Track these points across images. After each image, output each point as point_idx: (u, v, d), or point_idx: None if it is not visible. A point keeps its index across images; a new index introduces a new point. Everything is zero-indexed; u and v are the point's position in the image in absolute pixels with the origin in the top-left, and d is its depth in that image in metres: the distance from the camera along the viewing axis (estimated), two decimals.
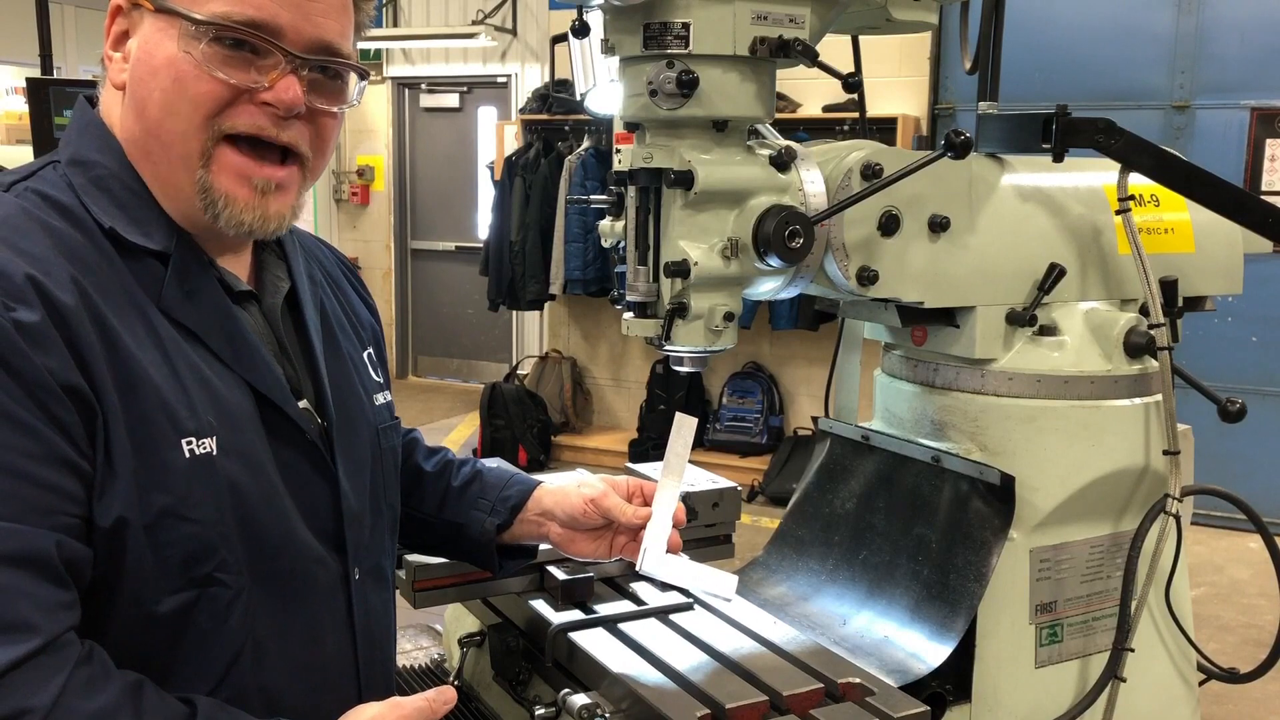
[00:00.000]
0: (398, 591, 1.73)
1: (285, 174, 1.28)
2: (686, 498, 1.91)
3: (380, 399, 1.51)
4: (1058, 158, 1.75)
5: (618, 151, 1.66)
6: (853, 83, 1.61)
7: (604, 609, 1.71)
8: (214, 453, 1.20)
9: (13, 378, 1.08)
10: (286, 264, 1.43)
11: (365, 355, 1.52)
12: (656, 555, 1.59)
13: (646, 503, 1.63)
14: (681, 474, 1.63)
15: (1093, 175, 1.88)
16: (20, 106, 7.69)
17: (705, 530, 1.96)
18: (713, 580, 1.64)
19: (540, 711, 1.53)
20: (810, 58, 1.55)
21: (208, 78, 1.21)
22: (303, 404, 1.35)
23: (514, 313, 9.01)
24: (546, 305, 8.14)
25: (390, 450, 1.51)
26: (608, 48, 1.62)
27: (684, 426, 1.62)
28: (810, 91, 7.08)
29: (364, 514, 1.40)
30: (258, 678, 1.26)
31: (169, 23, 1.22)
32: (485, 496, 1.67)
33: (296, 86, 1.25)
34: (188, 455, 1.18)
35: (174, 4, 1.22)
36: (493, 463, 1.80)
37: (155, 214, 1.26)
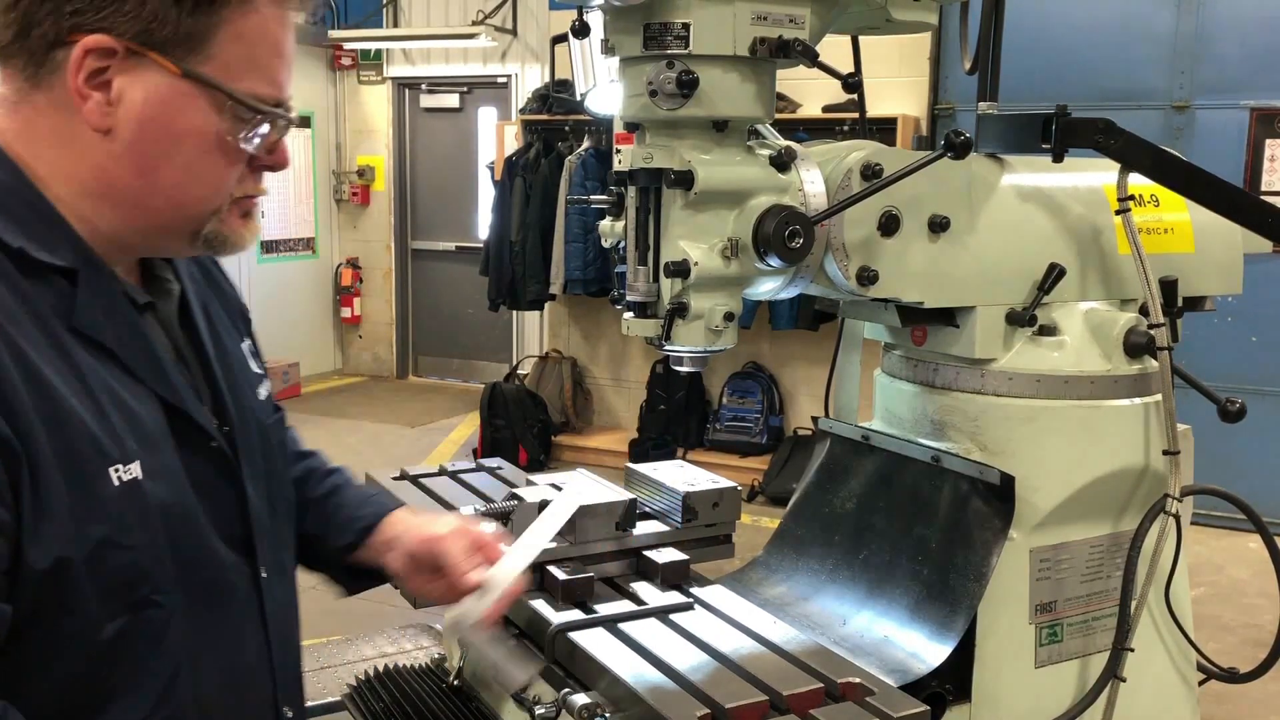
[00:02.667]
0: (399, 591, 1.73)
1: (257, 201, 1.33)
2: (688, 497, 1.91)
3: (263, 392, 1.48)
4: (1057, 158, 1.76)
5: (618, 151, 1.67)
6: (853, 83, 1.61)
7: (604, 609, 1.71)
8: (140, 477, 1.19)
9: None
10: (171, 264, 1.40)
11: (244, 347, 1.50)
12: (459, 623, 1.52)
13: (492, 563, 1.57)
14: (536, 551, 1.59)
15: (1093, 175, 1.88)
16: None
17: (705, 530, 1.96)
18: (510, 667, 1.54)
19: (540, 711, 1.53)
20: (810, 58, 1.55)
21: (238, 152, 1.23)
22: (204, 410, 1.34)
23: (514, 313, 9.01)
24: (546, 305, 8.15)
25: (279, 443, 1.50)
26: (608, 48, 1.62)
27: (563, 507, 1.60)
28: (810, 91, 7.07)
29: (267, 513, 1.40)
30: (194, 691, 1.26)
31: (196, 89, 1.19)
32: (339, 515, 1.64)
33: (287, 149, 1.30)
34: (116, 484, 1.16)
35: (211, 77, 1.19)
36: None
37: (59, 230, 1.21)
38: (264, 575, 1.38)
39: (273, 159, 1.29)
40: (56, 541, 1.11)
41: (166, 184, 1.23)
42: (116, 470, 1.16)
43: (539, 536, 1.64)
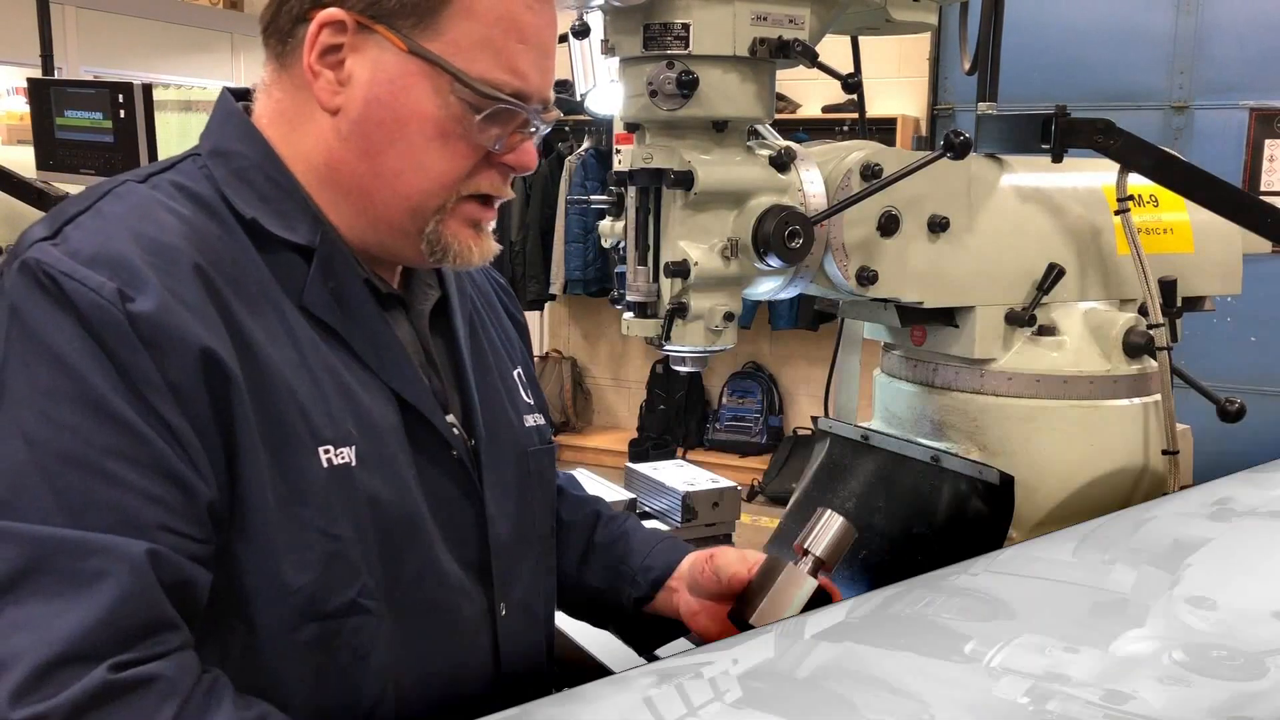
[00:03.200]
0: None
1: (494, 212, 1.26)
2: (688, 497, 1.91)
3: (531, 421, 1.40)
4: (1057, 158, 1.76)
5: (618, 152, 1.67)
6: (852, 83, 1.61)
7: None
8: (352, 463, 1.11)
9: (119, 373, 0.99)
10: (438, 273, 1.34)
11: (515, 374, 1.43)
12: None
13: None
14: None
15: (1092, 175, 1.89)
16: (21, 106, 7.69)
17: (705, 530, 1.97)
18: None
19: None
20: (810, 58, 1.55)
21: (467, 142, 1.16)
22: (449, 419, 1.25)
23: None
24: (546, 305, 8.15)
25: (539, 475, 1.38)
26: (608, 48, 1.62)
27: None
28: (810, 92, 7.08)
29: (512, 543, 1.29)
30: None
31: (422, 68, 1.14)
32: (628, 563, 1.49)
33: (534, 149, 1.23)
34: (325, 465, 1.09)
35: (437, 55, 1.13)
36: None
37: (300, 207, 1.18)
38: (503, 613, 1.25)
39: (514, 158, 1.20)
40: (253, 517, 1.05)
41: (389, 171, 1.17)
42: (327, 452, 1.10)
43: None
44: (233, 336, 1.06)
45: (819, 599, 1.27)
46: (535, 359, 8.25)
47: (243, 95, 1.26)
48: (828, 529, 1.31)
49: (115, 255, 1.04)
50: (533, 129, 1.21)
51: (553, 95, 1.23)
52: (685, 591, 1.44)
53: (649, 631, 1.51)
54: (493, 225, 1.25)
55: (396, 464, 1.16)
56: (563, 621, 1.71)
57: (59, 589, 0.93)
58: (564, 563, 1.51)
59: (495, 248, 1.26)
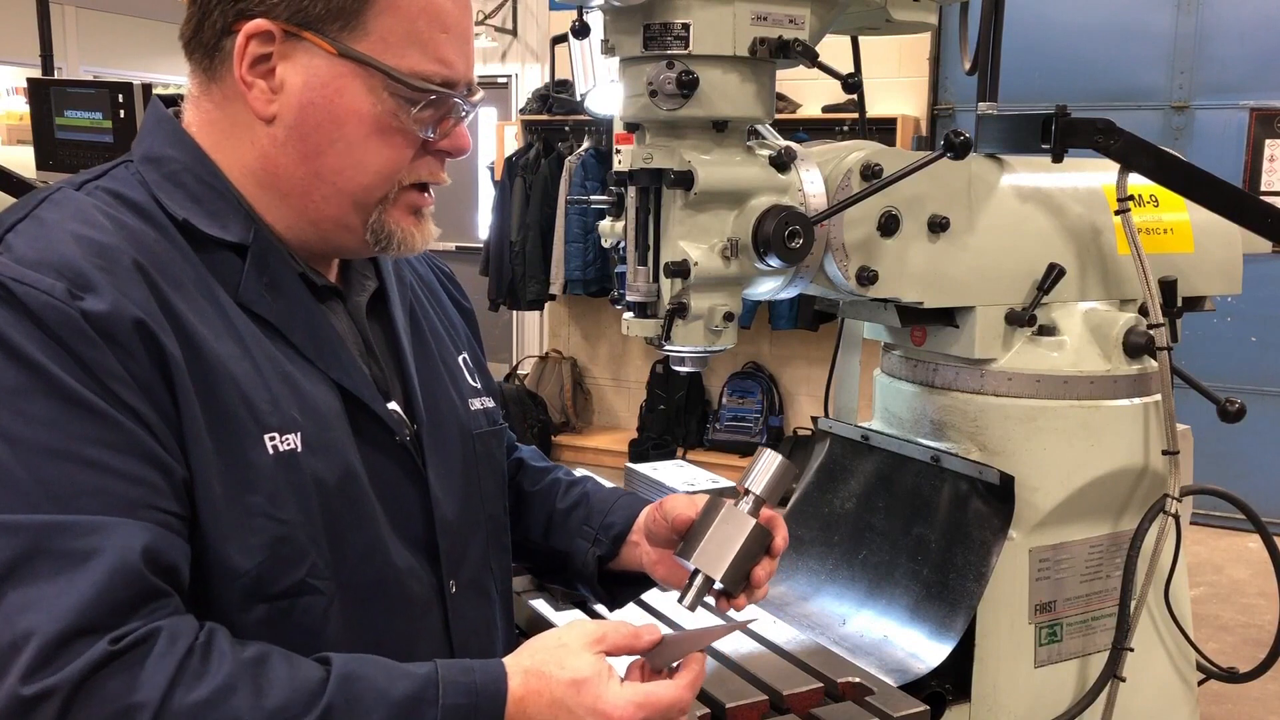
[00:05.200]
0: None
1: (432, 198, 1.29)
2: None
3: (478, 404, 1.43)
4: (1057, 158, 1.76)
5: (618, 152, 1.67)
6: (852, 83, 1.61)
7: (604, 608, 1.71)
8: (298, 449, 1.14)
9: (81, 367, 1.03)
10: (374, 263, 1.38)
11: (460, 360, 1.46)
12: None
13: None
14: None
15: (1092, 175, 1.89)
16: (21, 106, 7.69)
17: None
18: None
19: None
20: (810, 58, 1.55)
21: (404, 135, 1.20)
22: (391, 405, 1.28)
23: (514, 313, 9.01)
24: (546, 305, 8.15)
25: (487, 456, 1.41)
26: (608, 48, 1.62)
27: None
28: (810, 92, 7.07)
29: (459, 523, 1.32)
30: None
31: (353, 69, 1.17)
32: (589, 523, 1.52)
33: (467, 132, 1.26)
34: (271, 452, 1.12)
35: (366, 55, 1.16)
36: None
37: (232, 207, 1.20)
38: (452, 590, 1.29)
39: (449, 143, 1.24)
40: (204, 506, 1.08)
41: (329, 170, 1.20)
42: (273, 439, 1.13)
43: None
44: (175, 331, 1.09)
45: (762, 537, 1.28)
46: (535, 359, 8.29)
47: (173, 102, 1.28)
48: (767, 468, 1.32)
49: (60, 258, 1.07)
50: (464, 113, 1.24)
51: (475, 77, 1.27)
52: (645, 543, 1.46)
53: (619, 587, 1.55)
54: (431, 210, 1.29)
55: (341, 448, 1.19)
56: (539, 605, 1.71)
57: (57, 570, 0.98)
58: (531, 532, 1.56)
59: (435, 231, 1.30)
